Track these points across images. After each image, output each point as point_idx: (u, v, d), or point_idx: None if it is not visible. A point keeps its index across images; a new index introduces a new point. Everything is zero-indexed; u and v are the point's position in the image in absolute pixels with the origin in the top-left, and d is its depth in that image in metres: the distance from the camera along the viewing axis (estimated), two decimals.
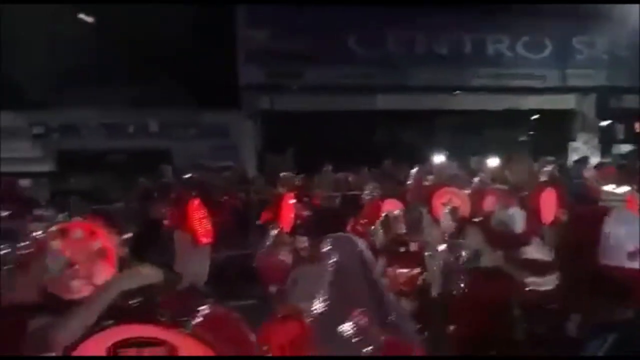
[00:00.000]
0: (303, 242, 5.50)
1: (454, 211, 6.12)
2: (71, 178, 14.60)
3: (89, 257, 2.88)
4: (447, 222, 5.99)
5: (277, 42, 17.27)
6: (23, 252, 2.25)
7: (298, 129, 16.40)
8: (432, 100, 18.14)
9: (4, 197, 6.35)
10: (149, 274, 2.40)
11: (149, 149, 16.92)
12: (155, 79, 16.21)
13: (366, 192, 8.39)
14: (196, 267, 4.02)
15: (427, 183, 8.45)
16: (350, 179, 10.39)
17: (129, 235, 4.68)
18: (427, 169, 9.93)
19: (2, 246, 2.17)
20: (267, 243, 5.96)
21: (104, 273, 3.48)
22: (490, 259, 4.35)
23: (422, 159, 11.97)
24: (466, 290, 4.24)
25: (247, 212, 9.05)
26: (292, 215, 6.67)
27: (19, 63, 15.45)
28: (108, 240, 3.34)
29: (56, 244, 2.86)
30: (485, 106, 18.28)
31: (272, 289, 5.24)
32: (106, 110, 16.83)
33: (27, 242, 2.29)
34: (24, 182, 7.48)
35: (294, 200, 6.89)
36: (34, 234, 2.36)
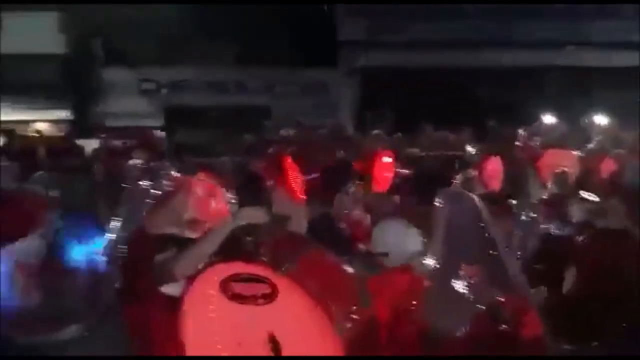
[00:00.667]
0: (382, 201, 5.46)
1: (562, 175, 5.86)
2: (177, 133, 15.23)
3: (206, 216, 3.03)
4: (555, 185, 5.76)
5: None
6: (165, 189, 2.51)
7: (398, 86, 16.09)
8: (541, 56, 17.15)
9: (143, 145, 6.82)
10: (257, 214, 2.62)
11: (250, 105, 17.30)
12: (257, 37, 16.43)
13: (470, 151, 8.11)
14: (293, 223, 4.10)
15: (533, 144, 8.06)
16: (450, 138, 10.09)
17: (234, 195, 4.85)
18: (534, 129, 9.46)
19: (146, 183, 2.42)
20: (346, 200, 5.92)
21: None
22: (619, 219, 4.10)
23: (528, 119, 11.41)
24: (586, 251, 4.04)
25: (345, 169, 9.01)
26: (387, 174, 6.52)
27: (129, 20, 16.14)
28: (223, 202, 3.52)
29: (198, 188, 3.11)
30: (601, 63, 17.06)
31: (361, 246, 5.23)
32: (210, 68, 17.29)
33: (170, 181, 2.51)
34: (158, 134, 7.96)
35: (389, 159, 6.73)
36: (174, 174, 2.56)
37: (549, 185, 5.92)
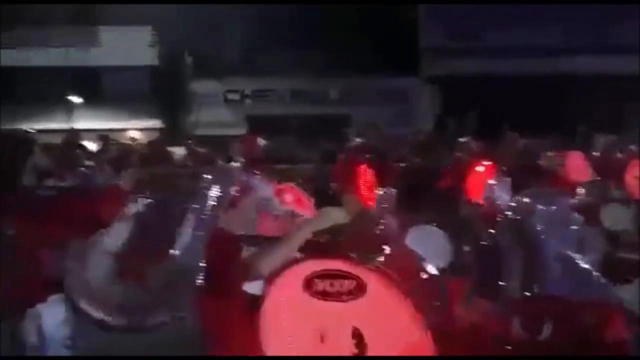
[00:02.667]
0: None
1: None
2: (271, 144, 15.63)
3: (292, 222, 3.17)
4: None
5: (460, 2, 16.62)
6: (234, 191, 2.55)
7: (479, 93, 15.78)
8: (627, 62, 16.32)
9: (246, 152, 7.11)
10: (338, 215, 2.68)
11: (330, 114, 17.50)
12: (338, 46, 16.63)
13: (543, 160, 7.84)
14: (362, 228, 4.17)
15: (620, 155, 7.68)
16: (539, 147, 9.72)
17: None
18: (624, 138, 8.99)
19: (217, 185, 2.53)
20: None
21: None
22: None
23: (620, 128, 10.89)
24: None
25: (422, 178, 8.94)
26: (482, 182, 6.42)
27: (215, 33, 16.80)
28: (309, 211, 3.69)
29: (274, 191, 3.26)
30: None
31: None
32: (292, 78, 17.66)
33: (238, 185, 2.60)
34: (260, 140, 8.24)
35: (482, 168, 6.66)
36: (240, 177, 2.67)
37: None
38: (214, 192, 2.50)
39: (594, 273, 2.10)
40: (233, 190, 2.57)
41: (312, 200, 4.00)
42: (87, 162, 7.18)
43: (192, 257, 2.40)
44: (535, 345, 2.07)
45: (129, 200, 2.72)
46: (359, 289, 2.10)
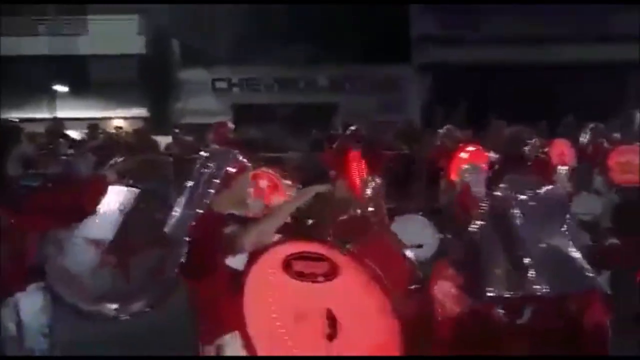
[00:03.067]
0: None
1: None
2: (246, 130, 15.59)
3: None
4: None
5: None
6: (229, 171, 2.60)
7: (470, 82, 15.77)
8: (625, 50, 16.33)
9: (217, 137, 7.08)
10: (323, 187, 2.73)
11: (319, 103, 17.44)
12: (325, 34, 16.55)
13: (528, 147, 7.85)
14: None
15: (606, 143, 7.72)
16: (525, 135, 9.73)
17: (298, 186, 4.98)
18: (610, 126, 9.02)
19: (212, 165, 2.52)
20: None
21: None
22: None
23: (609, 116, 10.91)
24: None
25: (412, 166, 8.94)
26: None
27: (203, 22, 16.67)
28: (284, 195, 3.69)
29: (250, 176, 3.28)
30: None
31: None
32: (280, 67, 17.57)
33: (233, 166, 2.62)
34: (229, 124, 8.27)
35: (465, 154, 6.70)
36: (235, 158, 2.69)
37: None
38: (209, 170, 2.54)
39: (579, 262, 2.08)
40: (228, 170, 2.60)
41: (294, 186, 4.00)
42: (70, 151, 7.13)
43: (180, 233, 2.44)
44: (515, 328, 2.07)
45: (113, 189, 2.72)
46: (333, 272, 2.14)
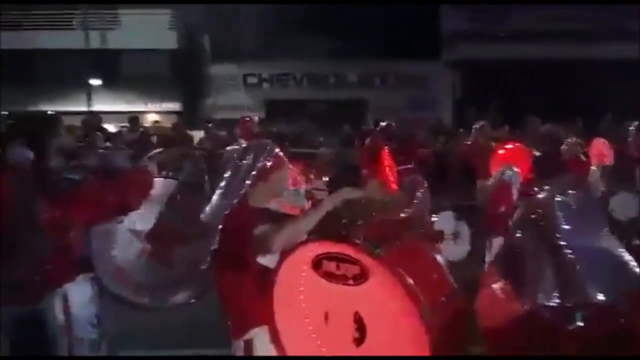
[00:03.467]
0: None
1: None
2: (277, 124, 15.66)
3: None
4: None
5: None
6: (267, 164, 2.57)
7: (500, 79, 15.57)
8: None
9: (245, 131, 7.10)
10: (354, 192, 2.69)
11: (348, 99, 17.43)
12: (355, 30, 16.49)
13: (564, 146, 7.71)
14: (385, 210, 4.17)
15: None
16: (561, 133, 9.53)
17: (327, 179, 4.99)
18: None
19: (249, 157, 2.54)
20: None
21: None
22: None
23: None
24: None
25: (443, 163, 8.86)
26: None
27: (234, 18, 16.76)
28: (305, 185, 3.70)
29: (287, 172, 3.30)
30: None
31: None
32: (309, 62, 17.59)
33: (271, 157, 2.59)
34: (255, 118, 8.29)
35: (503, 151, 6.62)
36: (273, 151, 2.66)
37: None
38: (246, 162, 2.56)
39: (631, 264, 1.93)
40: (266, 163, 2.60)
41: (318, 180, 4.00)
42: (107, 144, 7.25)
43: (215, 221, 2.45)
44: (566, 334, 1.97)
45: (155, 181, 2.75)
46: (362, 275, 2.14)
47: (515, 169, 5.74)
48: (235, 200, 2.51)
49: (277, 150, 2.69)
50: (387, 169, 5.92)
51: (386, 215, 3.19)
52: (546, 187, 2.10)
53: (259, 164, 2.59)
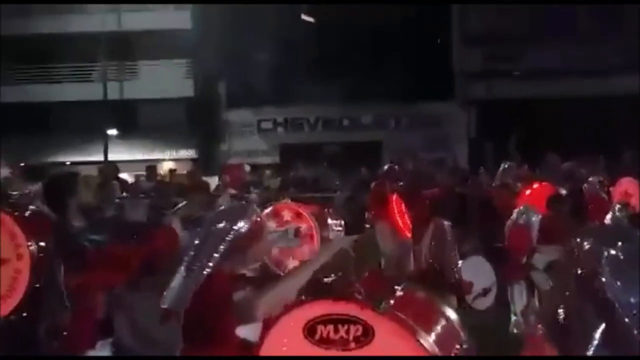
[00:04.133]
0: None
1: None
2: (292, 168, 15.70)
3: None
4: None
5: (496, 24, 16.47)
6: (244, 231, 2.32)
7: (515, 117, 15.52)
8: None
9: (234, 179, 7.04)
10: (346, 240, 2.53)
11: (363, 141, 17.46)
12: (369, 72, 16.64)
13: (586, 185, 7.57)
14: (398, 260, 4.05)
15: None
16: (583, 170, 9.40)
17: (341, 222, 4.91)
18: None
19: (226, 224, 2.29)
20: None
21: (307, 252, 3.77)
22: None
23: None
24: None
25: (463, 205, 8.68)
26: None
27: (249, 65, 17.02)
28: (311, 222, 3.61)
29: (271, 224, 3.19)
30: None
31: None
32: (323, 105, 17.73)
33: (248, 223, 2.34)
34: (247, 167, 8.24)
35: (530, 192, 6.51)
36: (253, 216, 2.42)
37: None
38: (221, 227, 2.28)
39: None
40: (244, 230, 2.32)
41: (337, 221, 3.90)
42: (124, 194, 7.24)
43: (181, 305, 2.22)
44: None
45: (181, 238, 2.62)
46: (366, 335, 1.87)
47: (532, 207, 5.59)
48: (204, 276, 2.24)
49: (257, 213, 2.44)
50: (398, 215, 5.77)
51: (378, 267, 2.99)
52: (589, 238, 1.91)
53: (236, 230, 2.30)
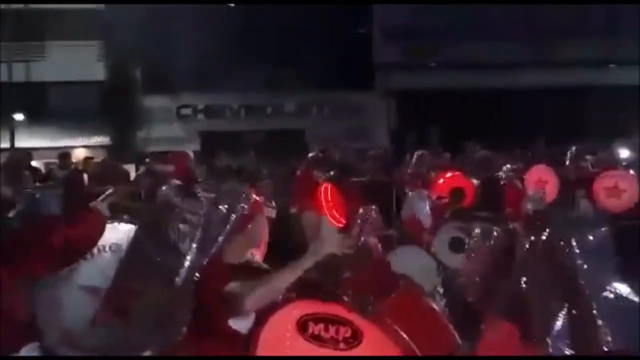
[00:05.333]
0: None
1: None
2: (213, 157, 15.36)
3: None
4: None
5: (414, 18, 16.94)
6: (244, 213, 2.31)
7: (434, 107, 15.98)
8: (581, 75, 16.88)
9: (178, 168, 6.75)
10: (332, 242, 2.37)
11: (285, 129, 17.37)
12: (291, 61, 16.54)
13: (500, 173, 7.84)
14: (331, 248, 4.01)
15: (585, 164, 7.74)
16: (501, 160, 9.78)
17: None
18: (586, 149, 9.10)
19: (223, 207, 2.27)
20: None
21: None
22: None
23: (578, 139, 11.07)
24: None
25: (387, 195, 8.82)
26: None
27: (166, 49, 16.45)
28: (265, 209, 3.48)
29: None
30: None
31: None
32: (245, 93, 17.47)
33: (244, 207, 2.33)
34: (189, 153, 7.94)
35: (442, 180, 6.64)
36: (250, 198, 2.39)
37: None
38: (220, 213, 2.30)
39: None
40: (243, 213, 2.34)
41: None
42: (37, 184, 6.77)
43: (189, 284, 2.19)
44: None
45: (107, 227, 2.43)
46: (354, 338, 1.96)
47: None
48: (210, 257, 2.26)
49: (253, 196, 2.44)
50: (330, 203, 5.73)
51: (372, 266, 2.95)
52: (552, 228, 1.93)
53: (235, 213, 2.32)
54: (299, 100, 18.01)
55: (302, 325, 1.98)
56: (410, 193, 5.68)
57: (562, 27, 16.85)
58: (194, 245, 2.25)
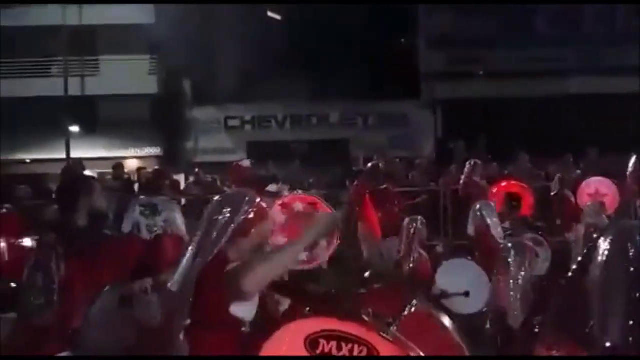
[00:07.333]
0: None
1: None
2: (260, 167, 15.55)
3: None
4: None
5: (459, 27, 16.83)
6: (248, 217, 2.32)
7: (479, 116, 15.81)
8: (628, 82, 16.43)
9: (233, 178, 6.97)
10: (327, 219, 2.47)
11: (330, 139, 17.46)
12: (335, 71, 16.65)
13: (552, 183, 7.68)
14: (367, 256, 4.03)
15: None
16: (551, 168, 9.59)
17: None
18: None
19: (226, 210, 2.30)
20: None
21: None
22: None
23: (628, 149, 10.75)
24: None
25: (437, 204, 8.75)
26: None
27: (215, 62, 16.80)
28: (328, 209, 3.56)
29: (278, 214, 3.10)
30: None
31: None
32: (291, 104, 17.66)
33: (251, 209, 2.34)
34: (246, 163, 8.12)
35: (496, 189, 6.56)
36: (254, 201, 2.40)
37: None
38: (223, 217, 2.29)
39: None
40: (247, 216, 2.34)
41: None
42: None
43: (187, 288, 2.20)
44: None
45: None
46: (370, 358, 1.81)
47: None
48: (215, 255, 2.27)
49: (258, 200, 2.42)
50: (376, 213, 5.74)
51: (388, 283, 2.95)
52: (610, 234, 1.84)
53: (238, 217, 2.31)
54: (344, 110, 18.08)
55: (311, 343, 1.84)
56: (477, 205, 5.54)
57: (609, 33, 16.48)
58: (192, 250, 2.26)
